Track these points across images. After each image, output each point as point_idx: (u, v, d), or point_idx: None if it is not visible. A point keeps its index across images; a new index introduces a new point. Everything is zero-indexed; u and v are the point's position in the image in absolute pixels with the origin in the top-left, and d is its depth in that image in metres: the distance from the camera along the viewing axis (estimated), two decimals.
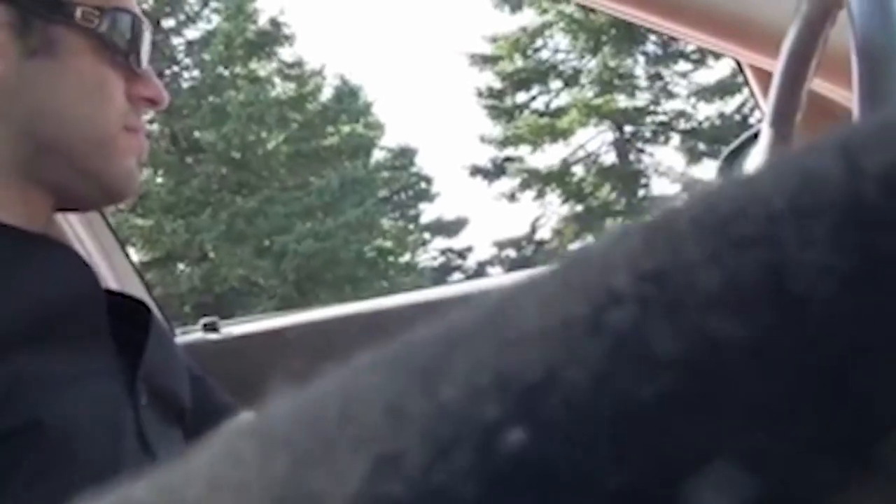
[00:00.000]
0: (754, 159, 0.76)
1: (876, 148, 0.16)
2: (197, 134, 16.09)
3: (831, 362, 0.14)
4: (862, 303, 0.15)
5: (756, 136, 0.89)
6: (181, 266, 16.03)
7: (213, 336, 1.48)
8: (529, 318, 0.16)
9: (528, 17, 17.57)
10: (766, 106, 0.74)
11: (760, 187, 0.16)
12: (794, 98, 0.69)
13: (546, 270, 0.17)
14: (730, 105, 17.07)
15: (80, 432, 0.71)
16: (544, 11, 17.20)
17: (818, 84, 0.93)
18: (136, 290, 1.51)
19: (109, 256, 1.49)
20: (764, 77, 0.97)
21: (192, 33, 17.44)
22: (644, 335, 0.15)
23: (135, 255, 13.61)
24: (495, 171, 18.10)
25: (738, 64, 1.06)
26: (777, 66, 0.68)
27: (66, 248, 0.92)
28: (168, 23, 17.22)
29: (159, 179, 15.64)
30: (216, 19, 17.52)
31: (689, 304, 0.15)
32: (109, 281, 1.47)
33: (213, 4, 17.55)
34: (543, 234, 18.13)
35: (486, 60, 17.89)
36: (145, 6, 16.10)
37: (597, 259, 0.17)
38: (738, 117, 16.59)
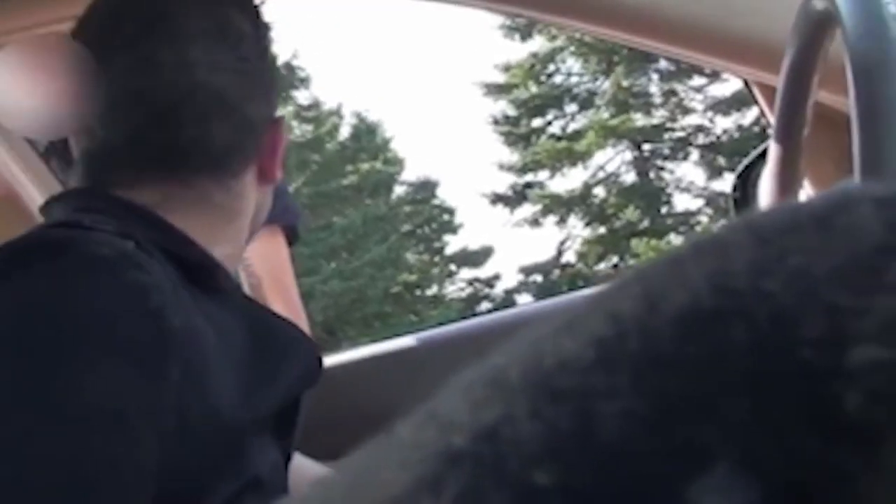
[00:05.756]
0: (765, 178, 0.77)
1: (673, 290, 0.18)
2: None
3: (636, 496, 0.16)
4: (659, 440, 0.16)
5: (766, 152, 0.90)
6: None
7: None
8: (388, 481, 0.17)
9: (539, 44, 17.66)
10: (773, 122, 0.75)
11: (580, 333, 0.18)
12: (799, 113, 0.70)
13: (403, 427, 0.19)
14: (748, 117, 17.03)
15: (278, 485, 0.81)
16: (554, 37, 17.28)
17: (827, 97, 0.94)
18: None
19: None
20: (771, 94, 0.98)
21: None
22: (480, 492, 0.16)
23: None
24: (516, 198, 18.10)
25: (746, 83, 1.07)
26: (778, 84, 0.69)
27: (308, 339, 0.97)
28: None
29: None
30: None
31: (515, 458, 0.16)
32: None
33: None
34: (568, 257, 18.09)
35: (500, 89, 17.97)
36: None
37: (445, 412, 0.18)
38: (756, 129, 16.53)
